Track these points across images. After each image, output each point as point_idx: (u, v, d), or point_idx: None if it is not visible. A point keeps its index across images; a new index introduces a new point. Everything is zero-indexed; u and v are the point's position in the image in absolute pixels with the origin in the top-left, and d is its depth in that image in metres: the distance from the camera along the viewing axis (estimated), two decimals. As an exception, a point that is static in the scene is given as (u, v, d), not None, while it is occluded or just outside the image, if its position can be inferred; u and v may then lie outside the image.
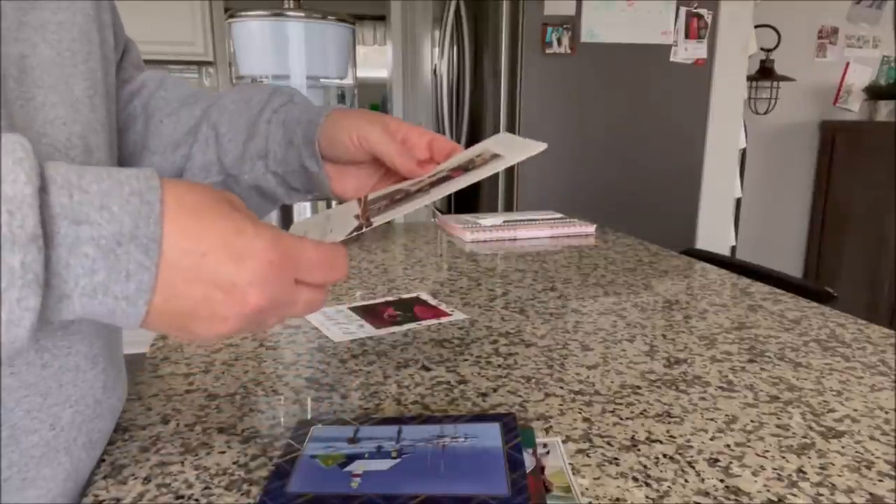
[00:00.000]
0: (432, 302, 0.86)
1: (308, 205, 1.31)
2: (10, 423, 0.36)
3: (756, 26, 2.40)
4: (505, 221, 1.32)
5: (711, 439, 0.50)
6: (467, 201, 2.53)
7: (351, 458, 0.45)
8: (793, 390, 0.60)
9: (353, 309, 0.82)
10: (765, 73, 3.00)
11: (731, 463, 0.47)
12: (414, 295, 0.89)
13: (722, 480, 0.45)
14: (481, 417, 0.52)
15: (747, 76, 2.36)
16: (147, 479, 0.45)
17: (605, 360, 0.66)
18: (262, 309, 0.35)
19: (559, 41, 1.99)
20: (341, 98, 1.62)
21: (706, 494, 0.43)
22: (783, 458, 0.48)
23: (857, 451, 0.49)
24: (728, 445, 0.49)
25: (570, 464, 0.47)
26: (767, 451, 0.49)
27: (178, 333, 0.34)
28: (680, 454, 0.48)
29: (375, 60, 4.99)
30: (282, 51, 1.36)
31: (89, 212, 0.30)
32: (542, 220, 1.37)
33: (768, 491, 0.44)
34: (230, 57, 1.48)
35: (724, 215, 2.27)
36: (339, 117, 0.54)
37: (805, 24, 3.13)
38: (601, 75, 2.05)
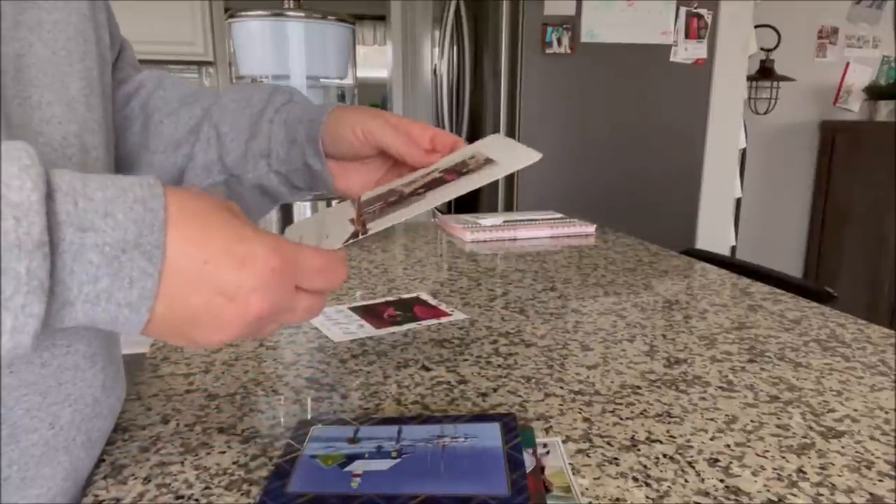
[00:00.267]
0: (432, 302, 0.86)
1: (308, 205, 1.31)
2: (10, 422, 0.36)
3: (756, 26, 2.40)
4: (505, 221, 1.32)
5: (711, 439, 0.50)
6: (467, 201, 2.53)
7: (351, 458, 0.45)
8: (793, 390, 0.60)
9: (353, 309, 0.82)
10: (765, 73, 2.99)
11: (731, 463, 0.47)
12: (414, 295, 0.89)
13: (722, 480, 0.45)
14: (481, 417, 0.52)
15: (747, 76, 2.36)
16: (147, 479, 0.45)
17: (605, 360, 0.66)
18: (264, 315, 0.35)
19: (559, 41, 1.99)
20: (341, 98, 1.62)
21: (706, 494, 0.43)
22: (783, 458, 0.48)
23: (857, 451, 0.49)
24: (728, 445, 0.49)
25: (570, 464, 0.47)
26: (767, 451, 0.49)
27: (178, 340, 0.35)
28: (680, 454, 0.48)
29: (375, 60, 4.99)
30: (282, 51, 1.36)
31: (94, 219, 0.30)
32: (542, 220, 1.37)
33: (768, 491, 0.44)
34: (230, 57, 1.48)
35: (724, 215, 2.27)
36: (341, 114, 0.54)
37: (805, 24, 3.13)
38: (601, 75, 2.05)
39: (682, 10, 2.05)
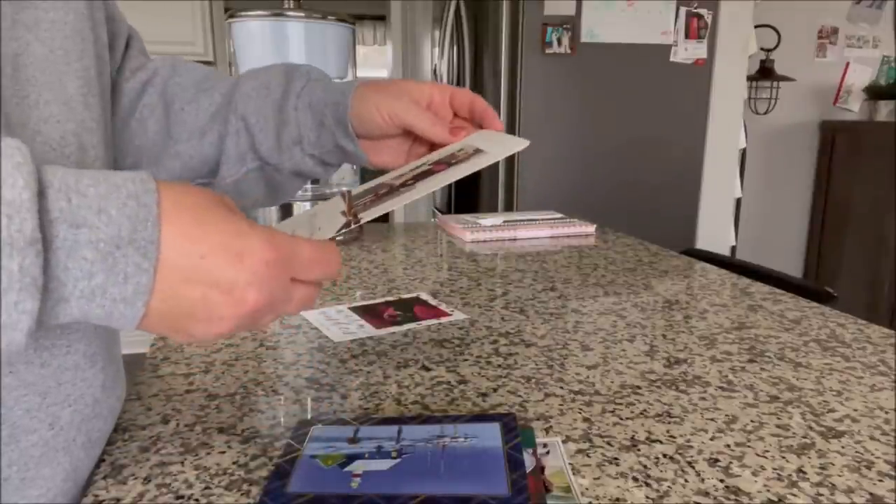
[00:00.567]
0: (432, 302, 0.86)
1: (308, 205, 1.31)
2: (10, 423, 0.36)
3: (756, 26, 2.40)
4: (505, 221, 1.32)
5: (711, 439, 0.50)
6: (467, 201, 2.53)
7: (351, 458, 0.45)
8: (793, 390, 0.60)
9: (353, 309, 0.82)
10: (765, 73, 2.99)
11: (731, 463, 0.47)
12: (414, 295, 0.89)
13: (722, 480, 0.45)
14: (481, 417, 0.52)
15: (747, 76, 2.36)
16: (147, 479, 0.45)
17: (605, 360, 0.66)
18: (260, 308, 0.35)
19: (559, 41, 1.99)
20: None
21: (706, 494, 0.43)
22: (783, 458, 0.48)
23: (857, 451, 0.49)
24: (728, 445, 0.49)
25: (570, 464, 0.47)
26: (767, 451, 0.49)
27: (174, 335, 0.35)
28: (680, 454, 0.48)
29: (375, 60, 4.99)
30: (282, 51, 1.36)
31: (87, 215, 0.30)
32: (542, 220, 1.37)
33: (768, 491, 0.44)
34: (230, 57, 1.48)
35: (724, 215, 2.27)
36: (365, 95, 0.54)
37: (805, 24, 3.13)
38: (601, 75, 2.05)
39: (682, 10, 2.05)
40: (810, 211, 3.31)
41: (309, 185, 1.43)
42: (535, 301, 0.86)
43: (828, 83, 3.22)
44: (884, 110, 3.11)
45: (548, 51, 1.99)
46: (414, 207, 3.13)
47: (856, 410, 0.56)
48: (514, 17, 2.02)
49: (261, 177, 0.57)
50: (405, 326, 0.76)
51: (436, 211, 2.86)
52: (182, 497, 0.43)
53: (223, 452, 0.48)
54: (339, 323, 0.77)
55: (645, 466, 0.46)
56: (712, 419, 0.54)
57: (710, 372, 0.63)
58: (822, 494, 0.43)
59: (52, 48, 0.40)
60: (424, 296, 0.88)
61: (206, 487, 0.44)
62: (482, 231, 1.27)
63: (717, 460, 0.47)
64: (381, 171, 0.58)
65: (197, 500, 0.42)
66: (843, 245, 3.10)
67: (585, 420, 0.53)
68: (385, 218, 0.49)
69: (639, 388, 0.60)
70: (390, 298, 0.87)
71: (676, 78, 2.09)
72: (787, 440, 0.50)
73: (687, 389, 0.59)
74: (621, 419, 0.53)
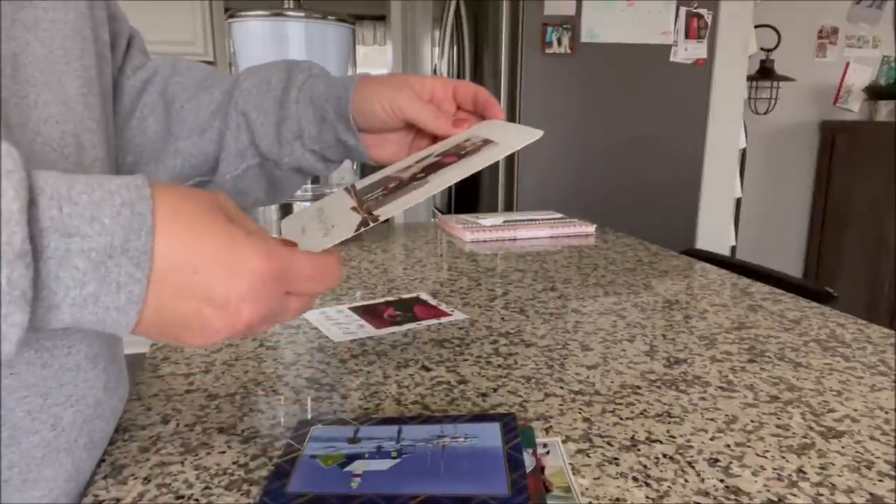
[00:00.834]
0: (432, 302, 0.86)
1: (308, 205, 1.31)
2: (11, 424, 0.36)
3: (756, 26, 2.40)
4: (505, 221, 1.32)
5: (711, 439, 0.50)
6: (467, 201, 2.53)
7: (351, 458, 0.45)
8: (793, 390, 0.60)
9: (353, 309, 0.82)
10: (765, 73, 2.99)
11: (731, 463, 0.47)
12: (414, 295, 0.89)
13: (722, 480, 0.45)
14: (481, 417, 0.52)
15: (747, 76, 2.36)
16: (147, 479, 0.45)
17: (605, 360, 0.66)
18: (253, 323, 0.35)
19: (559, 41, 1.99)
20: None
21: (706, 494, 0.43)
22: (783, 458, 0.48)
23: (857, 451, 0.49)
24: (728, 445, 0.49)
25: (570, 464, 0.47)
26: (767, 451, 0.49)
27: (167, 340, 0.34)
28: (680, 454, 0.48)
29: (375, 60, 4.99)
30: (282, 51, 1.36)
31: (80, 224, 0.29)
32: (542, 220, 1.37)
33: (768, 491, 0.44)
34: (230, 57, 1.48)
35: (724, 215, 2.27)
36: (367, 88, 0.54)
37: (805, 24, 3.13)
38: (601, 75, 2.05)
39: (682, 10, 2.05)
40: (810, 211, 3.31)
41: (309, 185, 1.43)
42: (535, 301, 0.86)
43: (828, 83, 3.22)
44: (884, 110, 3.11)
45: (548, 51, 1.99)
46: (414, 207, 3.13)
47: (856, 410, 0.56)
48: (514, 17, 2.02)
49: (261, 173, 0.56)
50: (405, 326, 0.76)
51: (436, 211, 2.85)
52: (182, 497, 0.43)
53: (223, 452, 0.48)
54: (339, 323, 0.77)
55: (645, 466, 0.46)
56: (712, 419, 0.54)
57: (710, 372, 0.63)
58: (822, 494, 0.43)
59: (52, 48, 0.40)
60: (424, 296, 0.88)
61: (206, 487, 0.44)
62: (482, 231, 1.27)
63: (717, 460, 0.47)
64: (382, 166, 0.58)
65: (197, 500, 0.42)
66: (843, 245, 3.10)
67: (585, 420, 0.53)
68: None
69: (639, 388, 0.60)
70: (390, 298, 0.87)
71: (676, 78, 2.09)
72: (787, 440, 0.50)
73: (687, 389, 0.59)
74: (621, 419, 0.53)
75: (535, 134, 0.50)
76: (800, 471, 0.46)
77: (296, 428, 0.51)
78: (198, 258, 0.32)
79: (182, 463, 0.47)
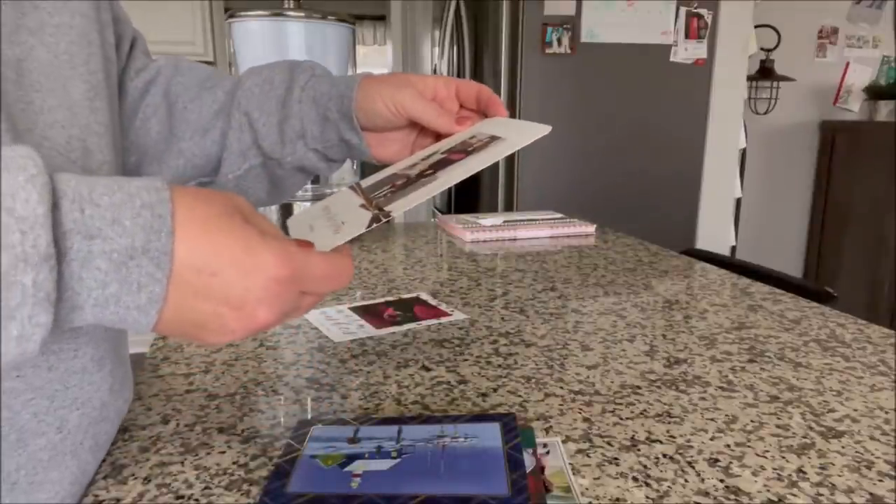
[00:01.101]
0: (432, 302, 0.86)
1: (308, 205, 1.31)
2: (18, 427, 0.36)
3: (756, 26, 2.40)
4: (505, 221, 1.32)
5: (711, 439, 0.50)
6: (467, 201, 2.53)
7: (351, 458, 0.45)
8: (793, 390, 0.60)
9: (353, 309, 0.82)
10: (765, 73, 3.00)
11: (731, 463, 0.47)
12: (414, 295, 0.89)
13: (722, 480, 0.45)
14: (481, 417, 0.52)
15: (747, 76, 2.36)
16: (147, 479, 0.45)
17: (605, 360, 0.66)
18: (270, 323, 0.35)
19: (559, 41, 1.99)
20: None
21: (706, 494, 0.43)
22: (783, 458, 0.48)
23: (857, 451, 0.49)
24: (728, 445, 0.49)
25: (570, 464, 0.47)
26: (767, 451, 0.49)
27: (185, 338, 0.35)
28: (680, 454, 0.48)
29: (375, 60, 4.99)
30: (282, 51, 1.36)
31: (101, 226, 0.30)
32: (542, 220, 1.37)
33: (768, 491, 0.44)
34: (230, 57, 1.48)
35: (724, 215, 2.27)
36: (370, 87, 0.54)
37: (805, 24, 3.13)
38: (601, 75, 2.05)
39: (682, 10, 2.05)
40: (810, 211, 3.31)
41: (309, 186, 1.43)
42: (535, 301, 0.86)
43: (828, 83, 3.22)
44: (884, 110, 3.11)
45: (548, 51, 1.99)
46: (413, 207, 3.13)
47: (856, 410, 0.56)
48: (514, 17, 2.02)
49: (263, 173, 0.56)
50: (405, 326, 0.76)
51: (436, 211, 2.86)
52: (182, 497, 0.43)
53: (223, 452, 0.48)
54: (339, 323, 0.77)
55: (645, 466, 0.46)
56: (712, 419, 0.54)
57: (710, 372, 0.63)
58: (822, 494, 0.43)
59: (57, 53, 0.39)
60: (424, 296, 0.88)
61: (206, 487, 0.44)
62: (482, 231, 1.27)
63: (717, 460, 0.47)
64: (383, 166, 0.58)
65: (197, 500, 0.42)
66: (843, 245, 3.10)
67: (585, 420, 0.53)
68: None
69: (639, 388, 0.60)
70: (390, 298, 0.87)
71: (676, 78, 2.09)
72: (787, 440, 0.50)
73: (687, 389, 0.59)
74: (621, 419, 0.53)
75: (542, 129, 0.50)
76: (800, 471, 0.46)
77: (296, 428, 0.51)
78: (215, 261, 0.33)
79: (182, 463, 0.47)
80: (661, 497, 0.43)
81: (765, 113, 3.11)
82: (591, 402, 0.56)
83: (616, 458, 0.47)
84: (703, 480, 0.45)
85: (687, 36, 2.07)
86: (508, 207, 2.14)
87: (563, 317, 0.80)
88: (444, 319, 0.79)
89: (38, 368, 0.37)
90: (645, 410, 0.55)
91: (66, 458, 0.40)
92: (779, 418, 0.54)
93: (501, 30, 2.05)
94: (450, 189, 2.71)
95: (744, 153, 2.49)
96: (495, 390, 0.59)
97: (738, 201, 2.38)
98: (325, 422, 0.52)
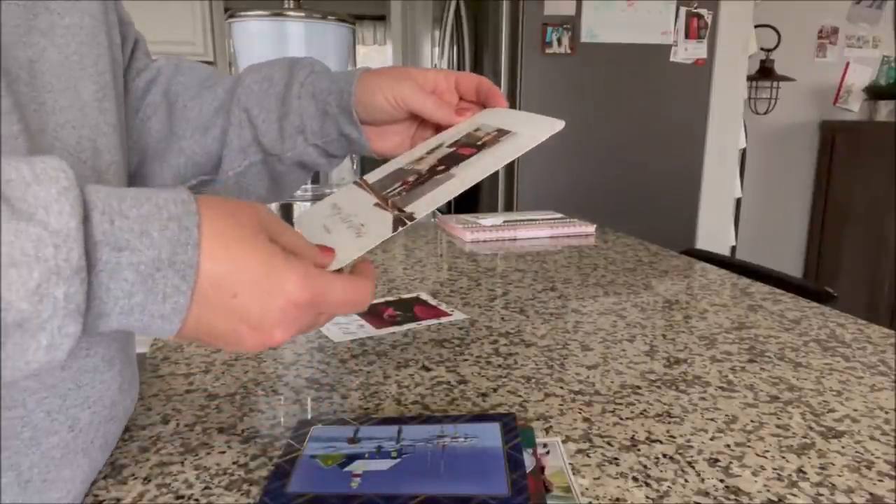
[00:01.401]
0: (432, 302, 0.86)
1: (308, 205, 1.31)
2: (32, 425, 0.37)
3: (756, 26, 2.40)
4: (505, 221, 1.32)
5: (711, 439, 0.50)
6: (467, 201, 2.53)
7: (351, 458, 0.45)
8: (793, 390, 0.60)
9: (353, 309, 0.82)
10: (765, 73, 2.99)
11: (731, 463, 0.47)
12: (414, 295, 0.89)
13: (722, 480, 0.45)
14: (481, 417, 0.52)
15: (747, 76, 2.36)
16: (147, 479, 0.45)
17: (605, 360, 0.66)
18: (285, 341, 0.36)
19: (559, 41, 1.99)
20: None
21: (706, 494, 0.43)
22: (783, 458, 0.48)
23: (857, 451, 0.49)
24: (728, 445, 0.49)
25: (570, 464, 0.47)
26: (767, 451, 0.49)
27: (203, 345, 0.35)
28: (680, 454, 0.48)
29: (375, 60, 4.99)
30: (282, 51, 1.36)
31: (130, 238, 0.30)
32: (542, 220, 1.37)
33: (768, 491, 0.44)
34: (230, 57, 1.48)
35: (724, 215, 2.27)
36: (369, 80, 0.54)
37: (805, 24, 3.13)
38: (601, 75, 2.05)
39: (682, 10, 2.05)
40: (810, 211, 3.31)
41: (308, 185, 1.43)
42: (535, 301, 0.86)
43: (828, 83, 3.22)
44: (884, 110, 3.12)
45: (548, 51, 1.99)
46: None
47: (856, 410, 0.56)
48: (514, 17, 2.02)
49: (263, 170, 0.57)
50: (405, 326, 0.76)
51: (436, 211, 2.86)
52: (182, 497, 0.43)
53: (223, 452, 0.48)
54: (339, 323, 0.77)
55: (645, 466, 0.46)
56: (712, 419, 0.54)
57: (710, 372, 0.63)
58: (822, 494, 0.43)
59: (67, 54, 0.40)
60: (424, 296, 0.88)
61: (206, 487, 0.44)
62: (482, 231, 1.27)
63: (717, 460, 0.47)
64: (383, 161, 0.57)
65: (197, 500, 0.42)
66: (843, 245, 3.10)
67: (585, 420, 0.53)
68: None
69: (639, 388, 0.60)
70: (390, 298, 0.87)
71: (676, 78, 2.09)
72: (787, 440, 0.50)
73: (687, 389, 0.59)
74: (621, 419, 0.53)
75: (555, 125, 0.48)
76: (800, 471, 0.46)
77: (296, 428, 0.51)
78: (237, 282, 0.33)
79: (182, 463, 0.47)
80: (661, 497, 0.43)
81: (765, 113, 3.11)
82: (591, 402, 0.56)
83: (616, 458, 0.47)
84: (703, 480, 0.45)
85: (687, 36, 2.07)
86: (508, 207, 2.14)
87: (563, 317, 0.80)
88: (444, 319, 0.79)
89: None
90: (645, 410, 0.55)
91: (77, 457, 0.40)
92: (779, 418, 0.54)
93: (501, 30, 2.05)
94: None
95: (744, 153, 2.50)
96: (495, 390, 0.59)
97: (738, 201, 2.38)
98: (325, 422, 0.52)
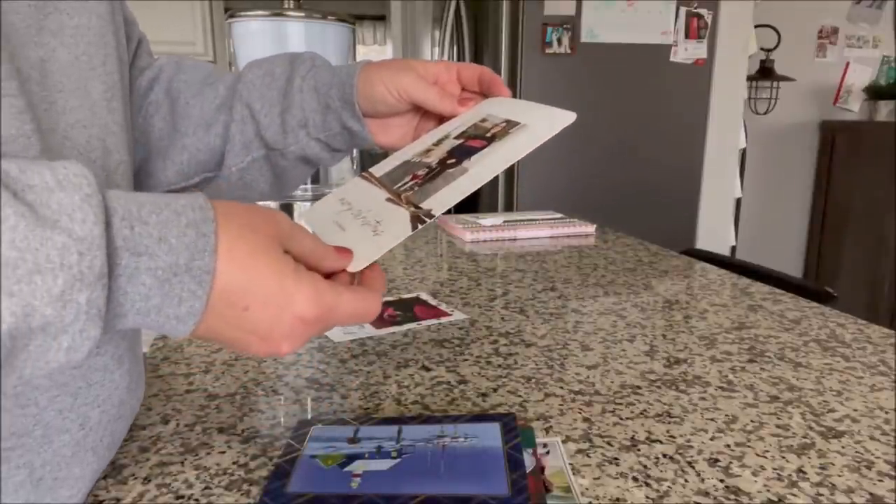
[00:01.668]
0: (432, 302, 0.86)
1: (308, 205, 1.31)
2: (44, 423, 0.37)
3: (756, 26, 2.40)
4: (505, 221, 1.32)
5: (711, 439, 0.50)
6: (467, 201, 2.53)
7: (351, 458, 0.45)
8: (793, 390, 0.60)
9: (353, 309, 0.82)
10: (765, 73, 3.00)
11: (731, 463, 0.47)
12: (414, 295, 0.89)
13: (722, 480, 0.45)
14: (481, 417, 0.52)
15: (747, 76, 2.36)
16: (147, 479, 0.45)
17: (605, 360, 0.66)
18: (291, 352, 0.37)
19: (559, 41, 1.99)
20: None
21: (706, 494, 0.43)
22: (783, 458, 0.48)
23: (857, 451, 0.49)
24: (728, 445, 0.49)
25: (570, 464, 0.47)
26: (767, 451, 0.49)
27: (215, 345, 0.36)
28: (680, 454, 0.48)
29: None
30: (282, 51, 1.36)
31: (149, 244, 0.31)
32: (542, 220, 1.37)
33: (768, 491, 0.44)
34: (230, 57, 1.48)
35: (724, 215, 2.27)
36: (371, 73, 0.54)
37: (805, 24, 3.13)
38: (601, 75, 2.05)
39: (682, 10, 2.05)
40: (810, 211, 3.31)
41: (308, 185, 1.43)
42: (535, 301, 0.86)
43: (828, 83, 3.22)
44: (884, 110, 3.12)
45: (548, 51, 1.99)
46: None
47: (856, 410, 0.56)
48: (514, 17, 2.02)
49: (266, 165, 0.57)
50: (405, 326, 0.76)
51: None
52: (182, 497, 0.43)
53: (223, 452, 0.48)
54: (339, 323, 0.77)
55: (645, 466, 0.46)
56: (712, 419, 0.54)
57: (710, 372, 0.63)
58: (822, 494, 0.43)
59: (77, 54, 0.40)
60: (424, 296, 0.88)
61: (206, 487, 0.44)
62: (482, 231, 1.27)
63: (717, 460, 0.47)
64: (384, 156, 0.57)
65: (197, 500, 0.42)
66: (843, 245, 3.10)
67: (585, 420, 0.53)
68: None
69: (639, 388, 0.60)
70: (390, 298, 0.87)
71: (676, 78, 2.09)
72: (787, 440, 0.50)
73: (687, 389, 0.59)
74: (621, 419, 0.53)
75: (568, 116, 0.47)
76: (800, 471, 0.46)
77: (296, 428, 0.51)
78: (248, 295, 0.34)
79: (182, 463, 0.47)
80: (661, 497, 0.43)
81: (765, 113, 3.11)
82: (591, 402, 0.56)
83: (616, 458, 0.47)
84: (703, 480, 0.45)
85: (687, 36, 2.07)
86: (508, 207, 2.14)
87: (563, 317, 0.80)
88: (444, 319, 0.79)
89: None
90: (645, 410, 0.55)
91: (87, 455, 0.40)
92: (779, 418, 0.54)
93: (501, 30, 2.06)
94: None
95: (744, 153, 2.50)
96: (495, 390, 0.59)
97: (738, 201, 2.38)
98: (325, 422, 0.52)
